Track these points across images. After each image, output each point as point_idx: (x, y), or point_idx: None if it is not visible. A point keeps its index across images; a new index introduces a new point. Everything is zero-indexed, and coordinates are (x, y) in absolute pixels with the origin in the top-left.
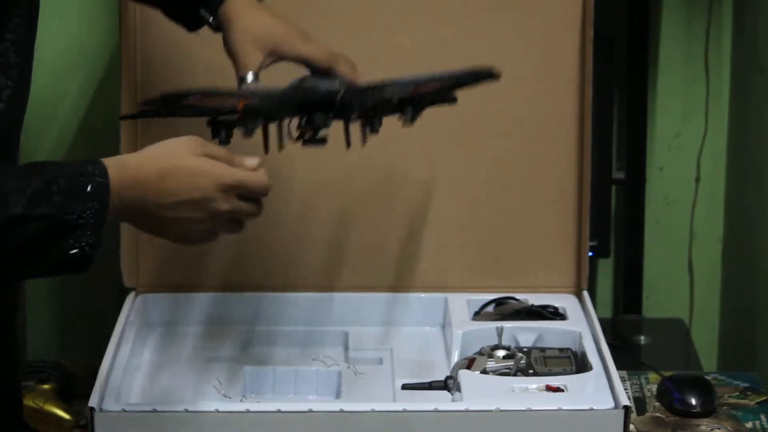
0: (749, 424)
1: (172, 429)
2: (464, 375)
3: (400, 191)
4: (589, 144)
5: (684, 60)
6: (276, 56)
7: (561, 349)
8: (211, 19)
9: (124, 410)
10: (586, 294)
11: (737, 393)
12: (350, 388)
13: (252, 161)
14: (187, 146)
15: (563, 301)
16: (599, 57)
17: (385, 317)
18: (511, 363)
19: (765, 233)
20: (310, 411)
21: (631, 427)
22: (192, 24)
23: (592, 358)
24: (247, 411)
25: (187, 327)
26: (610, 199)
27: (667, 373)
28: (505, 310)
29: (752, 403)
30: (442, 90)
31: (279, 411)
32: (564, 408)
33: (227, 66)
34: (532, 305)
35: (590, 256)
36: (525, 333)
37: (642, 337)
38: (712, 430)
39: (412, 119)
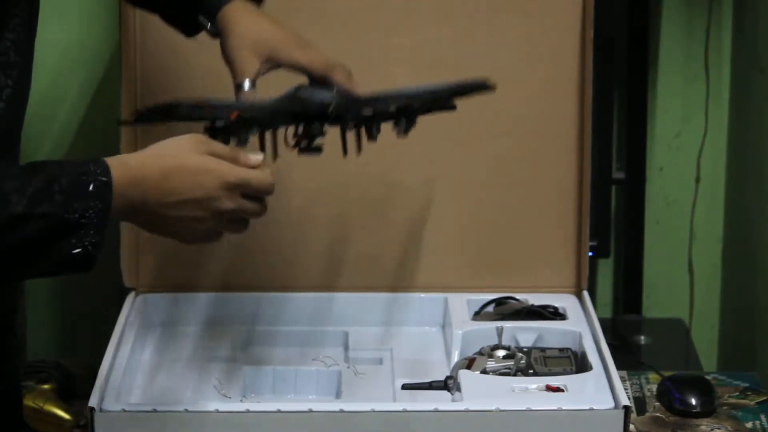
0: (749, 424)
1: (172, 429)
2: (464, 375)
3: (399, 191)
4: (589, 144)
5: (684, 60)
6: (273, 63)
7: (561, 349)
8: (209, 25)
9: (124, 410)
10: (586, 294)
11: (737, 393)
12: (350, 388)
13: (256, 157)
14: (190, 144)
15: (563, 301)
16: (599, 57)
17: (385, 317)
18: (511, 363)
19: (765, 233)
20: (310, 411)
21: (631, 427)
22: (190, 29)
23: (592, 358)
24: (247, 411)
25: (187, 327)
26: (610, 199)
27: (667, 373)
28: (505, 310)
29: (752, 403)
30: (436, 101)
31: (279, 411)
32: (564, 408)
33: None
34: (532, 305)
35: (590, 256)
36: (525, 333)
37: (642, 337)
38: (712, 430)
39: (406, 130)
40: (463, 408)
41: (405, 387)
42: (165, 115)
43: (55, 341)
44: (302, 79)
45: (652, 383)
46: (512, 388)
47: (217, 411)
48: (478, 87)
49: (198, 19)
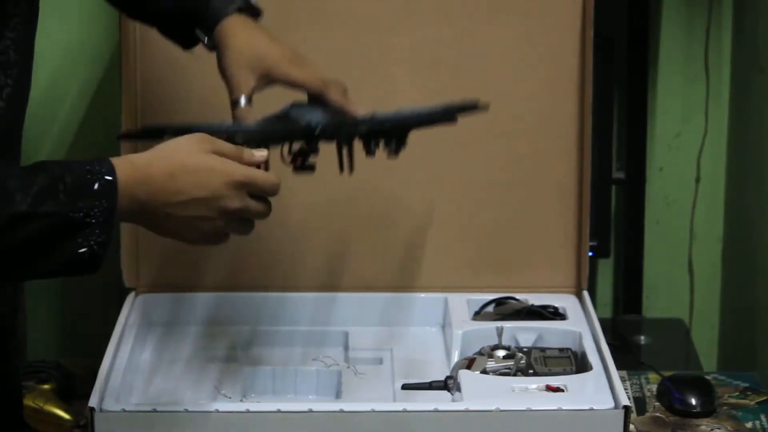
0: (749, 424)
1: (172, 429)
2: (464, 375)
3: (399, 191)
4: (589, 144)
5: (684, 60)
6: (269, 80)
7: (561, 349)
8: (206, 39)
9: (124, 410)
10: (586, 294)
11: (737, 393)
12: (350, 388)
13: (261, 153)
14: (195, 144)
15: (563, 301)
16: (599, 57)
17: (385, 317)
18: (511, 363)
19: (765, 233)
20: (310, 411)
21: (631, 427)
22: (187, 43)
23: (592, 358)
24: (247, 411)
25: (187, 327)
26: (610, 199)
27: (667, 373)
28: (505, 310)
29: (752, 403)
30: (428, 122)
31: (279, 411)
32: (564, 408)
33: None
34: (532, 305)
35: (590, 256)
36: (525, 333)
37: (642, 337)
38: (712, 430)
39: (396, 151)
40: (463, 408)
41: (405, 387)
42: (154, 137)
43: (55, 341)
44: (301, 94)
45: (652, 383)
46: (512, 388)
47: (217, 411)
48: (469, 108)
49: (195, 33)
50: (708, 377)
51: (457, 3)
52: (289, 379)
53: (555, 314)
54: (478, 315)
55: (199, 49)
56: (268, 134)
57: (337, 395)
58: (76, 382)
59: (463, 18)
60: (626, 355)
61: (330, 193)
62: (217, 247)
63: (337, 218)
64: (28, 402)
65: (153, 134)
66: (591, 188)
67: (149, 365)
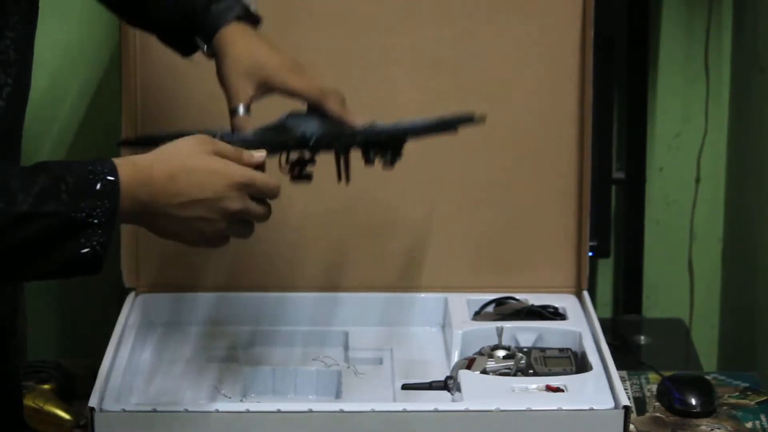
0: (749, 424)
1: (172, 429)
2: (464, 375)
3: (400, 191)
4: (589, 144)
5: (684, 60)
6: (267, 89)
7: (561, 349)
8: (205, 47)
9: (124, 410)
10: (586, 294)
11: (737, 393)
12: (350, 388)
13: (260, 153)
14: (196, 145)
15: (563, 301)
16: (599, 57)
17: (385, 317)
18: (511, 363)
19: (765, 233)
20: (310, 411)
21: (631, 427)
22: (186, 50)
23: (592, 358)
24: (247, 411)
25: (187, 327)
26: (610, 199)
27: (667, 373)
28: (505, 310)
29: (752, 403)
30: (424, 134)
31: (279, 411)
32: (564, 408)
33: None
34: (532, 305)
35: (590, 256)
36: (525, 333)
37: (642, 337)
38: (712, 430)
39: (392, 162)
40: (463, 408)
41: (405, 387)
42: (152, 145)
43: (55, 341)
44: (300, 103)
45: (652, 383)
46: (512, 388)
47: (217, 411)
48: (466, 120)
49: (194, 41)
50: (708, 377)
51: (457, 3)
52: (289, 379)
53: (555, 314)
54: (478, 315)
55: (199, 57)
56: (263, 144)
57: (337, 395)
58: (76, 382)
59: (463, 18)
60: (626, 355)
61: (329, 201)
62: (217, 249)
63: (337, 219)
64: (28, 402)
65: (151, 143)
66: (591, 188)
67: (149, 365)
